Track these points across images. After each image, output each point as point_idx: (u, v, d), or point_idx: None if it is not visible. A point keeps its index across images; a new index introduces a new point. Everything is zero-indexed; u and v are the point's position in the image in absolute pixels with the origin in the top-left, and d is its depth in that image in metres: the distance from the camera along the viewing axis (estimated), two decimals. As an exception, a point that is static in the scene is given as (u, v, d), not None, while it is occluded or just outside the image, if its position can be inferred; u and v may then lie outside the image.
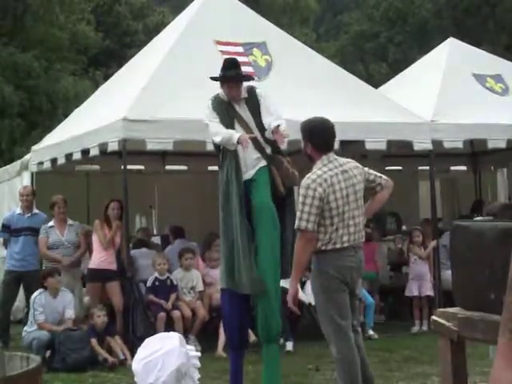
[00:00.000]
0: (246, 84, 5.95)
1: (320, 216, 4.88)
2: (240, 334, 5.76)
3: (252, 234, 5.56)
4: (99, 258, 8.36)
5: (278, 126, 5.52)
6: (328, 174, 4.92)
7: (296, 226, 4.93)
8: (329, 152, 5.04)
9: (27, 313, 8.49)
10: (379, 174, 5.23)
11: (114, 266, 8.36)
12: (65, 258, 8.62)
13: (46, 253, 8.73)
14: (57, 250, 8.73)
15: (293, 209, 5.72)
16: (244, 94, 5.89)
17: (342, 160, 5.08)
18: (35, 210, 9.28)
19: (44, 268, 8.68)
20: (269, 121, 5.69)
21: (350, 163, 5.09)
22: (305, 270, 5.45)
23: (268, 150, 5.76)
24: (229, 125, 5.77)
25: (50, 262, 8.71)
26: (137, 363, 2.47)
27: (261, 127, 5.77)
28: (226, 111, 5.86)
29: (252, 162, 5.72)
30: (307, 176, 4.95)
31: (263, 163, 5.72)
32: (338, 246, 4.92)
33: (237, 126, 5.79)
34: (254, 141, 5.68)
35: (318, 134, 5.05)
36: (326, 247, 4.92)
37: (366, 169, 5.18)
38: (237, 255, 5.56)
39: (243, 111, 5.85)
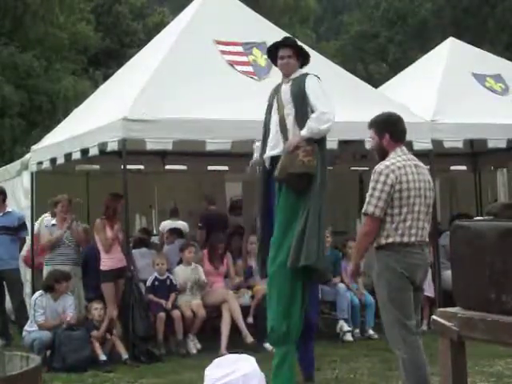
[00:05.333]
0: (304, 70, 6.05)
1: (387, 204, 4.83)
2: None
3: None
4: (108, 259, 8.32)
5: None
6: (402, 163, 4.94)
7: (363, 211, 4.88)
8: (402, 145, 5.10)
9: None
10: None
11: (123, 263, 8.17)
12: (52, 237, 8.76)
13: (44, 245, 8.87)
14: (58, 248, 8.77)
15: (314, 199, 5.70)
16: (295, 75, 5.96)
17: (414, 157, 5.13)
18: (8, 209, 9.42)
19: (45, 269, 8.68)
20: (315, 104, 5.78)
21: (421, 163, 5.11)
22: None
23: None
24: (271, 104, 5.99)
25: (50, 255, 8.74)
26: (211, 383, 2.41)
27: (301, 110, 5.78)
28: (274, 92, 6.04)
29: (271, 144, 5.95)
30: (381, 162, 4.99)
31: (280, 149, 5.84)
32: (405, 239, 4.81)
33: (274, 104, 5.96)
34: (281, 124, 5.84)
35: (398, 125, 5.16)
36: (394, 239, 4.81)
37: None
38: None
39: (285, 92, 5.90)
